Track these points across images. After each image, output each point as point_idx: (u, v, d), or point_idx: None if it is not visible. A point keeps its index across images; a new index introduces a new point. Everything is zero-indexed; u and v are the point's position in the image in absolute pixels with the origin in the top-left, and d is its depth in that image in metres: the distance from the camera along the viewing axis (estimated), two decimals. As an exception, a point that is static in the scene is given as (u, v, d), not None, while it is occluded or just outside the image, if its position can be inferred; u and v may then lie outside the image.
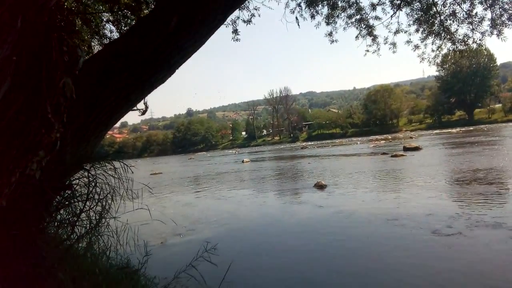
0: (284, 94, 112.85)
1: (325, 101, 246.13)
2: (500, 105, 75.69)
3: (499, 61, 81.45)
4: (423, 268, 4.41)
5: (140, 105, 3.11)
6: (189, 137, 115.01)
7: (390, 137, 54.64)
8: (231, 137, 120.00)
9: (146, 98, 3.04)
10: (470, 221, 6.18)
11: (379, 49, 7.94)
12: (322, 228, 6.82)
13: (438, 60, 8.05)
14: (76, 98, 1.96)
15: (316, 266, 4.88)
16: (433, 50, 7.83)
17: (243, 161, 31.42)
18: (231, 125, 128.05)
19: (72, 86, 1.71)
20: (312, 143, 72.16)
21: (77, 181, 2.88)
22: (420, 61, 8.10)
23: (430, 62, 7.97)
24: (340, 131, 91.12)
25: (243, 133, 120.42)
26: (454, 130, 53.42)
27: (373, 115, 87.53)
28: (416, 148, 23.66)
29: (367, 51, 8.02)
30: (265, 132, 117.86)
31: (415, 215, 6.91)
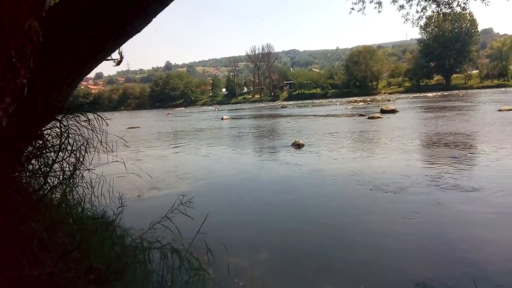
0: (266, 51, 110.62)
1: (307, 60, 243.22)
2: (477, 71, 77.16)
3: (480, 27, 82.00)
4: (361, 219, 4.70)
5: (115, 55, 2.98)
6: (167, 91, 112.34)
7: (368, 99, 55.27)
8: (211, 94, 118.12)
9: (121, 48, 2.91)
10: (427, 182, 6.51)
11: (364, 7, 7.78)
12: (296, 185, 7.03)
13: (422, 22, 8.02)
14: (45, 44, 1.85)
15: (287, 219, 5.08)
16: (417, 11, 7.76)
17: (222, 118, 31.24)
18: (211, 81, 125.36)
19: (39, 30, 1.60)
20: (293, 102, 72.20)
21: (49, 131, 2.81)
22: (404, 22, 8.04)
23: (413, 24, 7.93)
24: (320, 92, 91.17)
25: (223, 89, 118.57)
26: (430, 95, 54.51)
27: (354, 77, 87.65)
28: (393, 111, 24.14)
29: (352, 9, 7.87)
30: (245, 89, 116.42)
31: (378, 174, 7.23)
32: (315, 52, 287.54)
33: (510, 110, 19.53)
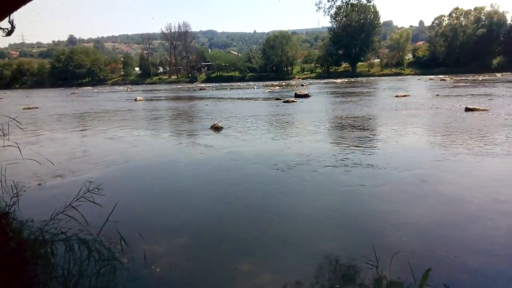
0: (183, 30, 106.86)
1: (225, 42, 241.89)
2: (378, 60, 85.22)
3: (382, 19, 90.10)
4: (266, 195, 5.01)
5: (5, 24, 2.61)
6: (71, 68, 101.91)
7: (284, 83, 57.42)
8: (122, 72, 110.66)
9: (12, 16, 2.54)
10: (323, 159, 7.11)
11: (279, -8, 7.98)
12: (212, 168, 7.05)
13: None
14: None
15: (203, 203, 5.10)
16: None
17: (136, 100, 29.73)
18: (122, 59, 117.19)
19: None
20: (211, 85, 71.74)
21: None
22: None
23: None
24: (239, 75, 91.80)
25: (137, 69, 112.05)
26: (339, 81, 58.72)
27: (271, 61, 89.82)
28: (306, 96, 25.48)
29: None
30: (161, 69, 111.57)
31: (280, 154, 7.73)
32: (233, 34, 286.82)
33: (404, 96, 22.06)
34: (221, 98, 29.70)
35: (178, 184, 6.11)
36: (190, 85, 73.38)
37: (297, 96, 25.37)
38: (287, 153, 7.93)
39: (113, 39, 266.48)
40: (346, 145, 8.61)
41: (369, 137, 9.67)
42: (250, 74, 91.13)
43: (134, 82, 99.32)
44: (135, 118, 16.71)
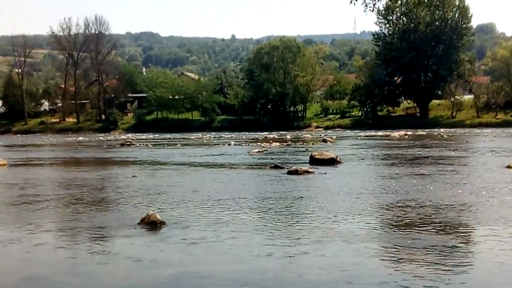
0: (94, 31, 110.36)
1: (176, 54, 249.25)
2: (472, 96, 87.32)
3: (475, 22, 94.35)
4: None
5: None
6: None
7: (290, 136, 58.44)
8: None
9: None
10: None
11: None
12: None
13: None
14: None
15: None
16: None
17: (-9, 164, 29.86)
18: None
19: None
20: (145, 136, 72.55)
21: None
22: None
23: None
24: (201, 118, 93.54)
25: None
26: (396, 134, 59.91)
27: (264, 93, 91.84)
28: (332, 161, 25.74)
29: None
30: (47, 105, 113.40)
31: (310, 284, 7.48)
32: (191, 40, 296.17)
33: (523, 167, 22.41)
34: (164, 163, 29.84)
35: None
36: (103, 136, 74.06)
37: (315, 162, 25.62)
38: (298, 283, 7.75)
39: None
40: (416, 265, 8.48)
41: (457, 248, 9.58)
42: (223, 117, 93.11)
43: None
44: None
